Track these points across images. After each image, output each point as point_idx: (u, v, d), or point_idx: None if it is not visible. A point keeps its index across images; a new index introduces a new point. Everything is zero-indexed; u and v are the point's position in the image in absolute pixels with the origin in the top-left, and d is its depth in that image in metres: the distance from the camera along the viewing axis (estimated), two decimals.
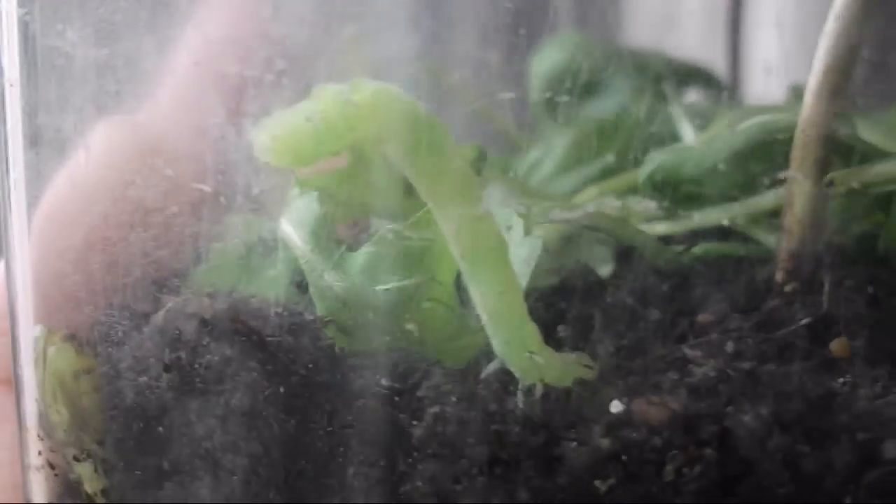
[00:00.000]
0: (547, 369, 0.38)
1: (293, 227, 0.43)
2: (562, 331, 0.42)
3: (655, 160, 0.50)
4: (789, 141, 0.47)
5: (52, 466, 0.43)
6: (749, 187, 0.49)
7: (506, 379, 0.39)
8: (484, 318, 0.39)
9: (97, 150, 0.42)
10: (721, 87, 0.66)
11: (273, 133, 0.38)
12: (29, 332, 0.42)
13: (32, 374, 0.42)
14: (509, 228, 0.42)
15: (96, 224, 0.41)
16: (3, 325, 0.46)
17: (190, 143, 0.42)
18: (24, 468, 0.43)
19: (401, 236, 0.41)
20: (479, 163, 0.43)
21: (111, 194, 0.42)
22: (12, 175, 0.42)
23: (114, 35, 0.40)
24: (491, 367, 0.39)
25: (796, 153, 0.46)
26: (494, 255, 0.38)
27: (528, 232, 0.44)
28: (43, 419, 0.42)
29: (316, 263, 0.41)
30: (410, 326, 0.39)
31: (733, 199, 0.49)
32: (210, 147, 0.41)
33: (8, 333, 0.46)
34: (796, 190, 0.46)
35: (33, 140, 0.41)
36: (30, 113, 0.41)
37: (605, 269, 0.50)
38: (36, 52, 0.41)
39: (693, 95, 0.68)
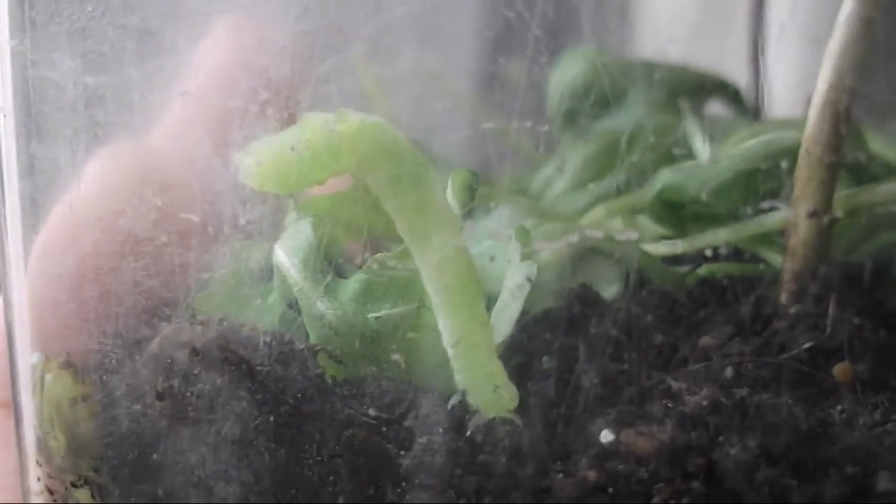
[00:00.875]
0: (509, 403, 0.38)
1: (286, 254, 0.43)
2: (549, 358, 0.41)
3: (662, 179, 0.49)
4: (794, 159, 0.47)
5: (51, 492, 0.43)
6: (754, 207, 0.48)
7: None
8: (450, 351, 0.38)
9: (93, 179, 0.42)
10: (743, 101, 0.66)
11: (258, 159, 0.38)
12: (27, 358, 0.43)
13: (31, 400, 0.43)
14: (492, 259, 0.42)
15: (90, 252, 0.41)
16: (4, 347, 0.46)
17: (185, 173, 0.42)
18: (25, 493, 0.44)
19: (388, 265, 0.40)
20: (472, 187, 0.42)
21: (105, 223, 0.42)
22: (8, 204, 0.42)
23: (103, 66, 0.40)
24: (454, 400, 0.39)
25: (800, 172, 0.45)
26: (466, 292, 0.38)
27: (525, 255, 0.44)
28: (41, 445, 0.43)
29: (308, 291, 0.41)
30: (396, 357, 0.39)
31: (739, 218, 0.49)
32: (206, 177, 0.41)
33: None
34: (800, 211, 0.45)
35: (28, 169, 0.42)
36: (23, 142, 0.41)
37: (610, 291, 0.50)
38: (28, 83, 0.41)
39: (717, 109, 0.67)
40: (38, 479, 0.43)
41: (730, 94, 0.66)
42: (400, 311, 0.41)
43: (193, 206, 0.40)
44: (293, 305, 0.43)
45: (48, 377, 0.42)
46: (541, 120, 0.66)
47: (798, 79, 0.70)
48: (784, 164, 0.47)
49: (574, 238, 0.47)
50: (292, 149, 0.38)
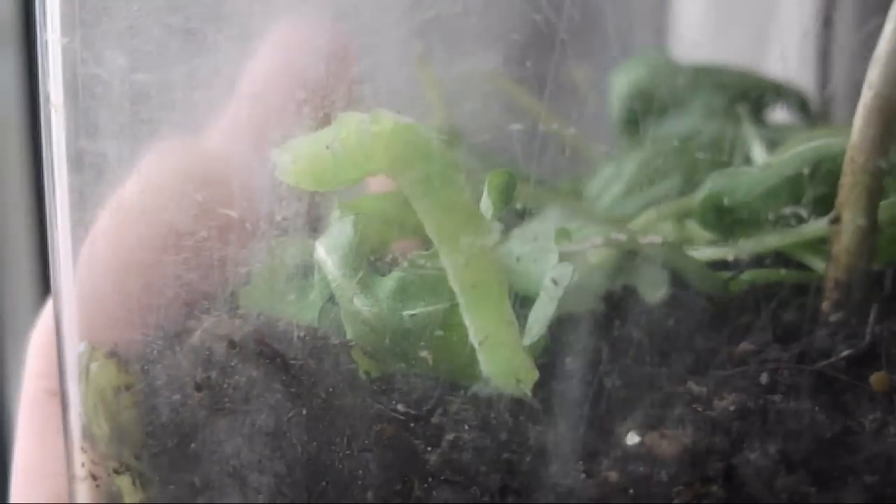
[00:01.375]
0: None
1: (327, 251, 0.43)
2: (583, 358, 0.42)
3: (710, 183, 0.49)
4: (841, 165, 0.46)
5: (94, 478, 0.44)
6: (801, 213, 0.48)
7: (517, 407, 0.39)
8: (477, 348, 0.39)
9: (140, 175, 0.43)
10: (808, 108, 0.65)
11: (294, 156, 0.39)
12: (74, 348, 0.44)
13: (77, 388, 0.44)
14: (518, 259, 0.42)
15: (137, 246, 0.43)
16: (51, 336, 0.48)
17: (234, 174, 0.43)
18: (70, 478, 0.45)
19: (420, 264, 0.41)
20: (509, 189, 0.43)
21: (156, 218, 0.43)
22: (58, 197, 0.43)
23: (149, 64, 0.41)
24: (476, 388, 0.39)
25: (844, 179, 0.45)
26: (492, 291, 0.39)
27: (563, 256, 0.44)
28: (86, 432, 0.44)
29: (346, 288, 0.42)
30: (424, 354, 0.40)
31: (786, 224, 0.48)
32: (249, 176, 0.42)
33: None
34: (844, 218, 0.45)
35: (77, 164, 0.43)
36: (73, 137, 0.43)
37: (654, 295, 0.50)
38: (77, 79, 0.42)
39: (782, 115, 0.67)
40: (83, 465, 0.44)
41: (795, 100, 0.66)
42: (432, 308, 0.41)
43: (234, 202, 0.41)
44: (332, 301, 0.43)
45: (93, 366, 0.43)
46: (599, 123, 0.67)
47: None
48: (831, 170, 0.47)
49: (622, 237, 0.48)
50: (327, 147, 0.38)
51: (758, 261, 0.50)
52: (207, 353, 0.41)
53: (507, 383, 0.39)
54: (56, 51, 0.42)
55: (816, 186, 0.48)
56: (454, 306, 0.41)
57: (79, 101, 0.42)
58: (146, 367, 0.43)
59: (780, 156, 0.55)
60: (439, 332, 0.41)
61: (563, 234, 0.44)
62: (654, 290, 0.50)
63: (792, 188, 0.48)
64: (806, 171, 0.47)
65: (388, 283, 0.42)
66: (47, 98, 0.43)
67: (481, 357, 0.39)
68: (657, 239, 0.45)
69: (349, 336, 0.42)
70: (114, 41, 0.41)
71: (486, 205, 0.42)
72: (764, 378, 0.42)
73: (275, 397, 0.40)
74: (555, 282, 0.42)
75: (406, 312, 0.41)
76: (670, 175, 0.59)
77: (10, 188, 0.97)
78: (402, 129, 0.38)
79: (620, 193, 0.60)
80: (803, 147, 0.48)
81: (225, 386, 0.41)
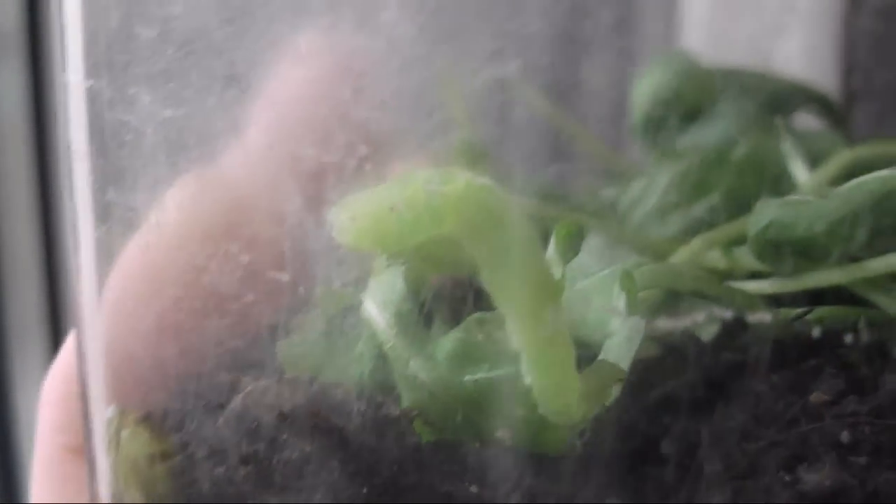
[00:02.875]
0: None
1: (377, 307, 0.40)
2: (650, 418, 0.39)
3: (767, 214, 0.47)
4: None
5: None
6: (867, 248, 0.45)
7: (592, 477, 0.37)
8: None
9: (171, 211, 0.40)
10: (837, 114, 0.63)
11: (353, 215, 0.35)
12: (102, 412, 0.40)
13: (105, 455, 0.40)
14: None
15: (169, 286, 0.39)
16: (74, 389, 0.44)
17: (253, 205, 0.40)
18: None
19: (486, 328, 0.38)
20: (577, 241, 0.40)
21: (181, 259, 0.40)
22: (82, 252, 0.40)
23: (185, 109, 0.38)
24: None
25: None
26: (564, 373, 0.36)
27: (631, 304, 0.41)
28: (116, 502, 0.41)
29: (401, 349, 0.39)
30: (502, 433, 0.37)
31: (852, 259, 0.46)
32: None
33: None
34: None
35: (104, 217, 0.39)
36: (99, 188, 0.39)
37: (707, 332, 0.47)
38: (104, 125, 0.39)
39: (806, 120, 0.64)
40: None
41: (823, 105, 0.63)
42: (497, 374, 0.38)
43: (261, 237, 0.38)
44: (384, 362, 0.40)
45: (124, 433, 0.40)
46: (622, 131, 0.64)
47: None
48: None
49: (681, 278, 0.45)
50: (392, 209, 0.35)
51: (817, 298, 0.47)
52: (253, 423, 0.38)
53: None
54: (79, 94, 0.38)
55: (884, 219, 0.45)
56: (520, 372, 0.38)
57: (107, 150, 0.38)
58: (184, 437, 0.39)
59: (829, 173, 0.53)
60: (506, 401, 0.38)
61: (627, 279, 0.41)
62: (704, 327, 0.47)
63: (857, 221, 0.45)
64: (877, 204, 0.44)
65: (447, 345, 0.39)
66: (68, 146, 0.39)
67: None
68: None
69: (405, 402, 0.38)
70: (145, 84, 0.37)
71: (553, 258, 0.39)
72: (845, 436, 0.40)
73: (332, 475, 0.37)
74: (624, 340, 0.39)
75: (468, 378, 0.38)
76: (708, 192, 0.56)
77: (16, 195, 0.94)
78: (476, 192, 0.34)
79: (654, 211, 0.57)
80: (871, 177, 0.45)
81: (274, 461, 0.38)
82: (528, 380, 0.36)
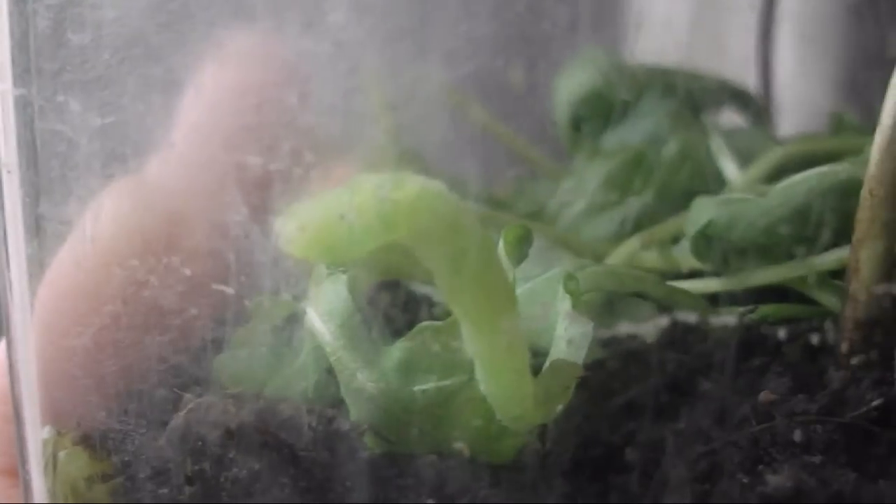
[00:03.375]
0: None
1: (320, 317, 0.39)
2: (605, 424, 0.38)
3: (705, 213, 0.46)
4: (853, 195, 0.44)
5: None
6: (808, 246, 0.45)
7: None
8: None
9: (103, 218, 0.39)
10: (758, 109, 0.63)
11: (301, 225, 0.34)
12: (37, 433, 0.39)
13: (41, 478, 0.39)
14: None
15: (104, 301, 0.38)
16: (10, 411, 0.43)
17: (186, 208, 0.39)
18: None
19: (436, 337, 0.37)
20: (527, 244, 0.39)
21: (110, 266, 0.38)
22: (13, 267, 0.38)
23: (120, 118, 0.36)
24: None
25: (863, 214, 0.42)
26: (521, 379, 0.35)
27: (577, 306, 0.40)
28: None
29: (347, 361, 0.38)
30: (460, 445, 0.36)
31: (791, 257, 0.46)
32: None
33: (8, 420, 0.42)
34: (862, 255, 0.42)
35: (35, 231, 0.38)
36: (31, 201, 0.37)
37: (649, 331, 0.47)
38: (35, 136, 0.37)
39: (728, 117, 0.64)
40: None
41: (745, 102, 0.63)
42: (448, 384, 0.37)
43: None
44: (328, 374, 0.39)
45: (61, 455, 0.38)
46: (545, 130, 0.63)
47: (792, 81, 0.68)
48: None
49: (623, 279, 0.44)
50: (341, 217, 0.34)
51: (757, 296, 0.47)
52: (198, 442, 0.37)
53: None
54: (7, 103, 0.37)
55: (823, 216, 0.45)
56: (473, 381, 0.37)
57: (38, 161, 0.37)
58: (124, 457, 0.38)
59: (760, 171, 0.53)
60: (458, 410, 0.37)
61: (571, 281, 0.41)
62: (646, 324, 0.47)
63: (799, 220, 0.45)
64: (816, 202, 0.44)
65: (395, 355, 0.38)
66: None
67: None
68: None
69: (353, 415, 0.37)
70: (80, 92, 0.36)
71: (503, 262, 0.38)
72: (797, 435, 0.39)
73: (282, 492, 0.36)
74: (573, 342, 0.38)
75: (418, 388, 0.37)
76: (638, 192, 0.55)
77: None
78: (429, 198, 0.33)
79: (585, 212, 0.56)
80: (809, 174, 0.45)
81: (221, 479, 0.36)
82: (483, 387, 0.35)
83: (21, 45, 0.37)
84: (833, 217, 0.45)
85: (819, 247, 0.45)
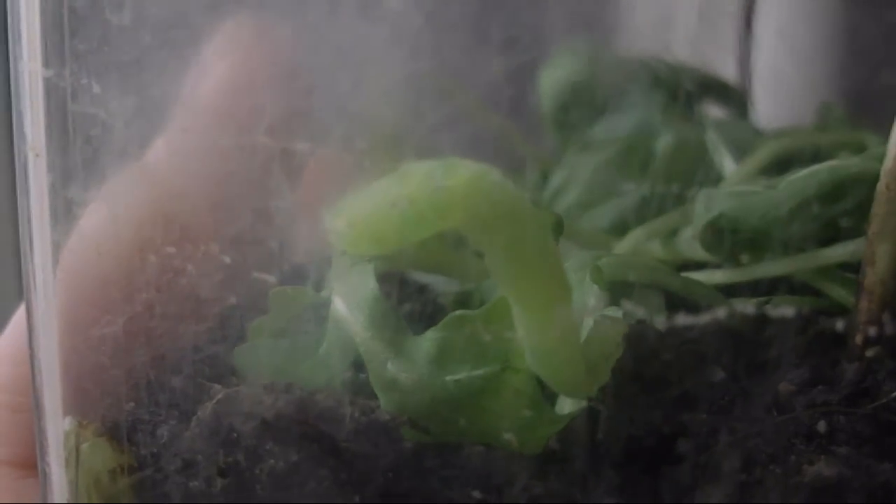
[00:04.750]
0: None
1: (348, 307, 0.38)
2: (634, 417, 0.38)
3: (716, 205, 0.46)
4: (864, 189, 0.44)
5: None
6: (820, 238, 0.45)
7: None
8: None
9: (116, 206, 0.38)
10: (745, 103, 0.63)
11: (351, 218, 0.33)
12: (58, 424, 0.38)
13: (62, 470, 0.38)
14: None
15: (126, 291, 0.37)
16: (16, 401, 0.42)
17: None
18: None
19: (472, 326, 0.37)
20: (558, 232, 0.39)
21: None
22: (37, 254, 0.37)
23: (158, 101, 0.35)
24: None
25: (878, 209, 0.43)
26: (577, 372, 0.35)
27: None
28: None
29: (378, 352, 0.37)
30: (509, 437, 0.35)
31: (802, 249, 0.46)
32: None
33: (22, 411, 0.41)
34: (878, 249, 0.43)
35: (62, 217, 0.37)
36: (58, 186, 0.36)
37: (659, 320, 0.46)
38: (66, 119, 0.36)
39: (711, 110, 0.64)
40: None
41: (731, 95, 0.64)
42: (482, 373, 0.37)
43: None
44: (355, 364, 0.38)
45: (84, 447, 0.37)
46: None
47: (769, 74, 0.68)
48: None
49: (641, 269, 0.44)
50: (393, 206, 0.33)
51: (766, 288, 0.47)
52: (231, 433, 0.36)
53: None
54: (36, 84, 0.36)
55: (834, 209, 0.45)
56: (508, 370, 0.37)
57: (69, 145, 0.36)
58: (152, 448, 0.37)
59: (756, 162, 0.53)
60: (491, 399, 0.36)
61: (598, 274, 0.41)
62: (657, 314, 0.47)
63: (809, 212, 0.45)
64: (828, 195, 0.44)
65: (426, 345, 0.37)
66: (24, 139, 0.36)
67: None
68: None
69: (385, 406, 0.37)
70: (116, 76, 0.35)
71: None
72: (822, 426, 0.40)
73: (320, 485, 0.35)
74: (609, 334, 0.38)
75: (450, 378, 0.37)
76: (633, 183, 0.55)
77: None
78: (483, 183, 0.33)
79: (577, 202, 0.56)
80: (819, 168, 0.45)
81: (256, 472, 0.36)
82: (537, 370, 0.35)
83: (54, 24, 0.36)
84: (845, 210, 0.45)
85: (830, 240, 0.45)
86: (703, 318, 0.44)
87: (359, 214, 0.33)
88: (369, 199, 0.34)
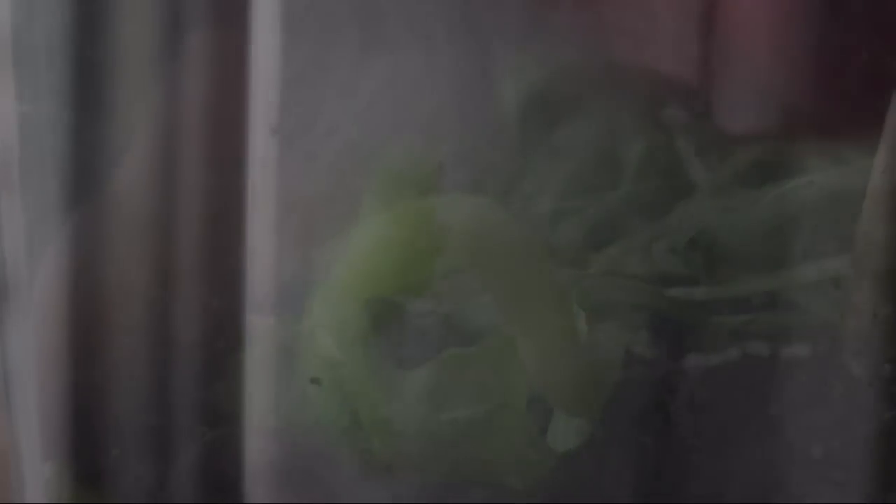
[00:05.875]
0: None
1: (334, 341, 0.37)
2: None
3: (691, 223, 0.46)
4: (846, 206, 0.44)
5: None
6: (802, 255, 0.45)
7: None
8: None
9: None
10: (706, 108, 0.62)
11: (350, 264, 0.33)
12: (38, 471, 0.37)
13: None
14: None
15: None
16: None
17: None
18: None
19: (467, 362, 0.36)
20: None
21: None
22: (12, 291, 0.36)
23: None
24: None
25: (864, 228, 0.42)
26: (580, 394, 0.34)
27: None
28: None
29: (372, 390, 0.36)
30: (509, 475, 0.35)
31: (783, 266, 0.45)
32: None
33: None
34: (866, 266, 0.42)
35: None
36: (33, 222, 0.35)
37: (640, 341, 0.46)
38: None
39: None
40: None
41: (693, 99, 0.63)
42: (478, 412, 0.36)
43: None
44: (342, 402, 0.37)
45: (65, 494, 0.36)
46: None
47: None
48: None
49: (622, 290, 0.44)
50: (390, 245, 0.32)
51: (747, 304, 0.46)
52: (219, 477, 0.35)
53: None
54: None
55: (819, 227, 0.45)
56: (506, 408, 0.36)
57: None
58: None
59: (779, 192, 0.52)
60: (487, 439, 0.36)
61: (585, 296, 0.40)
62: (637, 334, 0.46)
63: (793, 228, 0.45)
64: (810, 213, 0.44)
65: (418, 383, 0.36)
66: None
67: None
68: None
69: (376, 447, 0.36)
70: None
71: None
72: (817, 451, 0.39)
73: None
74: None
75: (445, 417, 0.36)
76: (603, 191, 0.55)
77: None
78: (481, 219, 0.32)
79: (547, 213, 0.55)
80: (799, 183, 0.45)
81: None
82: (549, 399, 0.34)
83: None
84: (828, 227, 0.45)
85: (814, 256, 0.45)
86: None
87: (357, 259, 0.33)
88: (364, 240, 0.33)
